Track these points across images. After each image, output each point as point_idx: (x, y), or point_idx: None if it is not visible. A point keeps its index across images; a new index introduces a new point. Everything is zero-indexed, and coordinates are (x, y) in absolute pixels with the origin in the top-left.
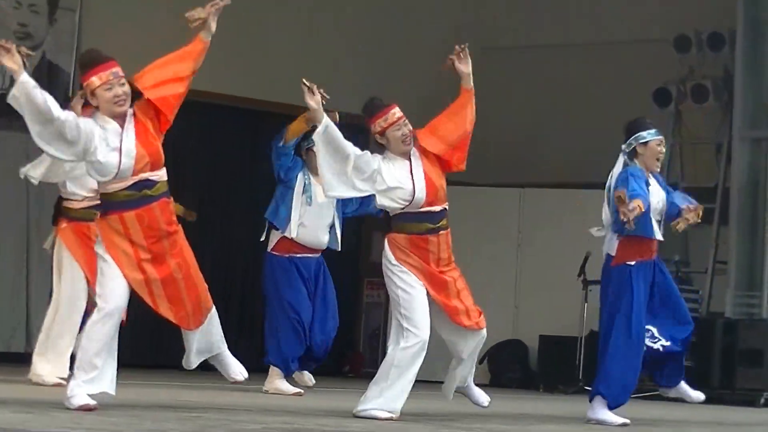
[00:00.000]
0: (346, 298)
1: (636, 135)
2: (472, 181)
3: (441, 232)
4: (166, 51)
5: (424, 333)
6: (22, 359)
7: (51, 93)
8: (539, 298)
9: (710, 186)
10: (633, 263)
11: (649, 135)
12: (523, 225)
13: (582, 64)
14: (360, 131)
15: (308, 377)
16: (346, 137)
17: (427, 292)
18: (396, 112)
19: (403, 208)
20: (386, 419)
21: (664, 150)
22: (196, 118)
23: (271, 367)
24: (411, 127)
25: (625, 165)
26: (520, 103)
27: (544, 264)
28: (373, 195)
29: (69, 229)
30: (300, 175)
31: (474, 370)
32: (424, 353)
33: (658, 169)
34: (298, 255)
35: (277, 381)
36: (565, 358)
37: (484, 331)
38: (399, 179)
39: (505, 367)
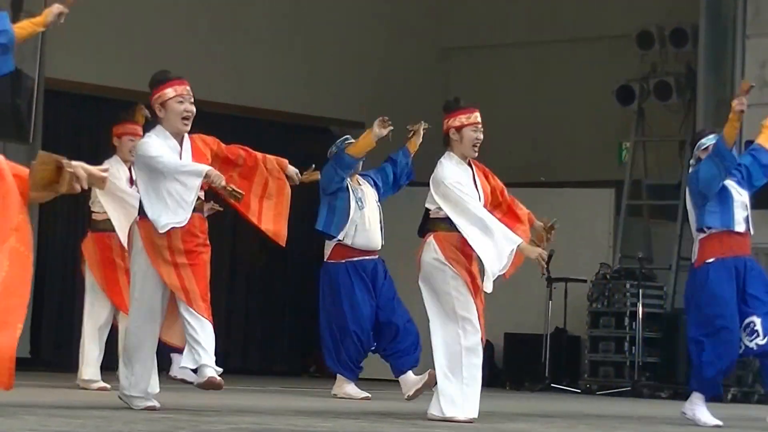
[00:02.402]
0: (314, 296)
1: (697, 144)
2: None
3: None
4: (131, 55)
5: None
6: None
7: (16, 99)
8: (504, 297)
9: (673, 183)
10: (712, 260)
11: (707, 140)
12: None
13: (543, 62)
14: (321, 132)
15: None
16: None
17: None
18: (478, 115)
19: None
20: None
21: None
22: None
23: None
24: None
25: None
26: (482, 103)
27: None
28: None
29: (91, 239)
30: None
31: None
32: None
33: None
34: (356, 259)
35: (345, 386)
36: (530, 355)
37: None
38: (463, 177)
39: None
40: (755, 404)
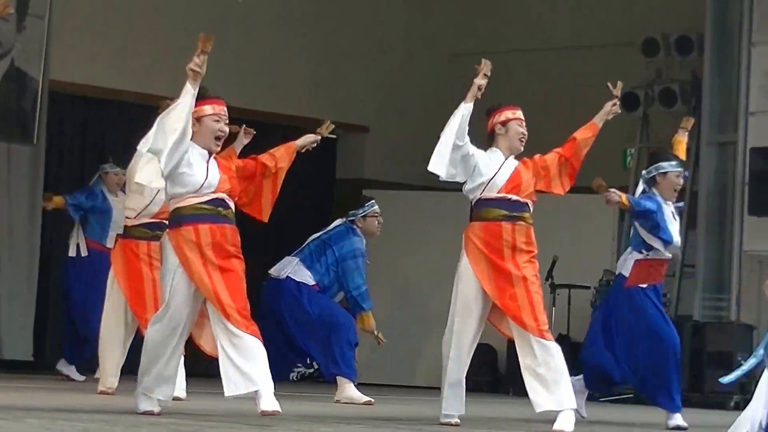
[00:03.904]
0: None
1: (657, 165)
2: (441, 186)
3: (518, 222)
4: (134, 59)
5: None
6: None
7: (20, 101)
8: None
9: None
10: (645, 286)
11: (669, 166)
12: None
13: (549, 69)
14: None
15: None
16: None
17: (486, 293)
18: (521, 113)
19: (481, 190)
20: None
21: (681, 182)
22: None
23: (338, 377)
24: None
25: (644, 191)
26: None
27: None
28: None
29: (120, 244)
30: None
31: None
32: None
33: (674, 200)
34: None
35: (347, 391)
36: None
37: (549, 343)
38: (488, 164)
39: (474, 371)
40: None
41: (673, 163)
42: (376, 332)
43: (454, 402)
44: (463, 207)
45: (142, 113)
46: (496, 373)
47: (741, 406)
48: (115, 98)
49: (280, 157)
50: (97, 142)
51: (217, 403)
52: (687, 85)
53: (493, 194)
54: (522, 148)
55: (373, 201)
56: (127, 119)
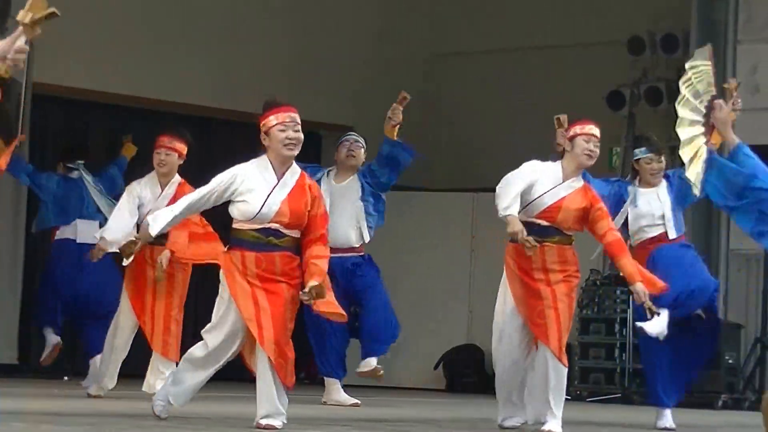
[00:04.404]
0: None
1: (634, 153)
2: (426, 186)
3: (545, 244)
4: (116, 61)
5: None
6: None
7: (4, 104)
8: (493, 303)
9: None
10: None
11: (640, 152)
12: (477, 229)
13: (534, 68)
14: (310, 136)
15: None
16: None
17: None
18: (593, 128)
19: (522, 207)
20: None
21: (660, 164)
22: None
23: (326, 379)
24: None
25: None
26: (473, 108)
27: (497, 268)
28: None
29: None
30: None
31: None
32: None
33: (658, 183)
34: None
35: (335, 393)
36: None
37: (561, 366)
38: (543, 184)
39: (461, 372)
40: (746, 411)
41: (643, 149)
42: None
43: (506, 407)
44: (448, 207)
45: (125, 115)
46: (482, 374)
47: (729, 405)
48: (98, 100)
49: (316, 272)
50: (81, 143)
51: (204, 407)
52: (673, 83)
53: (526, 218)
54: (589, 163)
55: (350, 133)
56: (110, 121)
